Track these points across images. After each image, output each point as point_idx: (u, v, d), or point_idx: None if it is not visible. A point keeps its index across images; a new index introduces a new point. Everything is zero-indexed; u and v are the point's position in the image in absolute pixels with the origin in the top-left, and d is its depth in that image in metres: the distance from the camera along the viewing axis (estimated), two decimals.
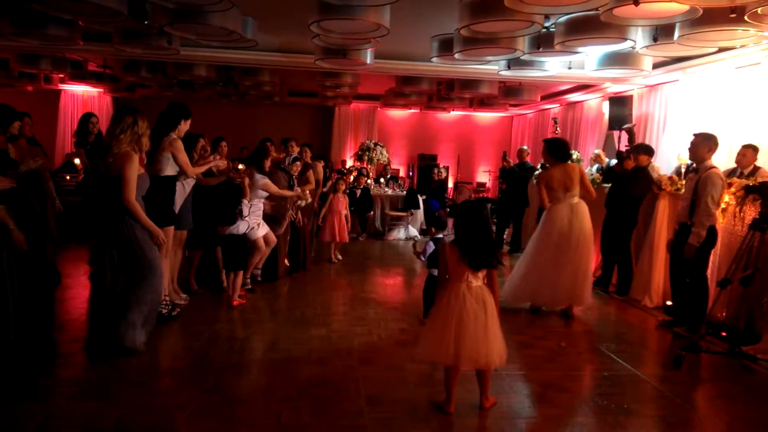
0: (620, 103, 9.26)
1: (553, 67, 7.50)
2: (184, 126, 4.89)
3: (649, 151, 6.60)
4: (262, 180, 5.93)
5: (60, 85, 12.54)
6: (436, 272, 5.01)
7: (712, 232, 5.01)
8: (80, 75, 10.67)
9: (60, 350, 4.11)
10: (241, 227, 5.65)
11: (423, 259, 5.25)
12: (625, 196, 6.42)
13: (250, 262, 5.98)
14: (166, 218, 4.73)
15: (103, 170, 3.95)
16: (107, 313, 3.98)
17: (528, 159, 9.83)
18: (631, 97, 9.29)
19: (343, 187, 8.22)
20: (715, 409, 3.76)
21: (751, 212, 4.93)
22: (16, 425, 3.09)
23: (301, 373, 3.97)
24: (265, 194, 6.03)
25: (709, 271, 5.26)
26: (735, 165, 5.95)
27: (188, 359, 4.22)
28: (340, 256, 8.08)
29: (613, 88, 9.75)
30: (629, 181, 6.40)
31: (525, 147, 10.20)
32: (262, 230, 5.96)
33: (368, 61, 7.13)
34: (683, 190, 5.50)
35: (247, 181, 5.74)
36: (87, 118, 6.54)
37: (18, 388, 3.51)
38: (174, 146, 4.78)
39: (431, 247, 5.14)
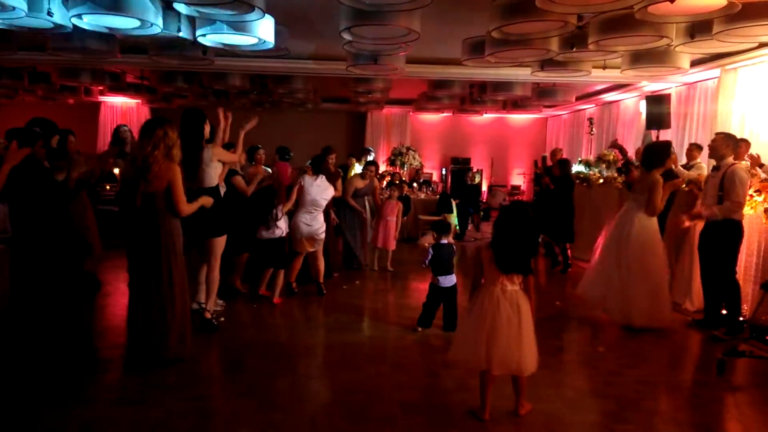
0: (658, 102, 9.02)
1: (586, 67, 7.37)
2: (208, 129, 4.93)
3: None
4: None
5: (99, 97, 12.92)
6: (437, 280, 4.98)
7: (738, 228, 4.96)
8: (119, 87, 10.98)
9: (100, 356, 4.22)
10: (277, 231, 5.74)
11: (425, 265, 5.08)
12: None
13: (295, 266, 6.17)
14: (220, 228, 4.89)
15: (142, 188, 3.92)
16: (148, 324, 4.01)
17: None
18: (669, 95, 9.06)
19: (397, 193, 8.10)
20: (760, 416, 3.61)
21: None
22: (57, 429, 3.17)
23: (335, 379, 3.99)
24: (325, 201, 6.13)
25: (740, 268, 5.17)
26: None
27: (225, 365, 4.29)
28: (390, 267, 7.75)
29: (650, 87, 9.53)
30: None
31: (560, 149, 9.99)
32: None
33: (400, 66, 7.14)
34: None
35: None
36: (117, 129, 6.72)
37: (60, 393, 3.61)
38: (219, 154, 4.90)
39: (431, 253, 5.01)
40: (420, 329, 5.03)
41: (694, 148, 7.13)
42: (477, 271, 3.46)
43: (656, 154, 5.38)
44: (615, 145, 7.42)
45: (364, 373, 4.08)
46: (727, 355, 4.19)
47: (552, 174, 8.98)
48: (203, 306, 4.98)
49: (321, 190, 6.08)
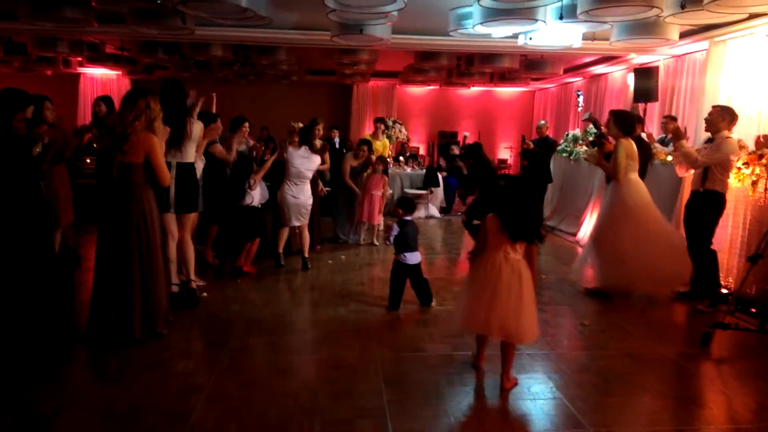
0: (646, 75, 8.95)
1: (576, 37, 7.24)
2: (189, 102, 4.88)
3: (638, 119, 6.45)
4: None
5: (79, 68, 12.57)
6: (403, 257, 4.90)
7: (719, 199, 5.04)
8: (98, 58, 10.68)
9: (79, 333, 4.12)
10: (256, 199, 5.82)
11: (389, 243, 5.04)
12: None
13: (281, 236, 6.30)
14: (194, 203, 4.89)
15: (118, 158, 3.84)
16: (119, 301, 3.91)
17: (548, 133, 9.64)
18: (657, 68, 8.98)
19: (381, 167, 8.01)
20: (746, 389, 3.63)
21: None
22: (32, 408, 3.10)
23: (318, 354, 3.95)
24: (310, 172, 6.13)
25: (726, 240, 5.25)
26: None
27: (205, 341, 4.23)
28: (376, 242, 7.77)
29: (639, 60, 9.44)
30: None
31: (543, 122, 10.01)
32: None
33: (386, 36, 6.97)
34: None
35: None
36: (97, 102, 6.60)
37: (36, 371, 3.53)
38: (201, 132, 4.85)
39: (396, 230, 4.93)
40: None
41: (669, 120, 7.18)
42: (481, 240, 3.49)
43: (622, 121, 5.42)
44: (590, 118, 7.42)
45: (348, 348, 4.03)
46: (713, 328, 4.19)
47: (530, 153, 9.12)
48: (178, 283, 4.90)
49: (306, 161, 6.01)
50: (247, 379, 3.51)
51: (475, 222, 6.57)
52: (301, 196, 6.03)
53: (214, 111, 5.71)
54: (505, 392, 3.41)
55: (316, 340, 4.23)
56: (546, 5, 5.47)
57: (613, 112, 5.65)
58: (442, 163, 9.43)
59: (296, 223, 6.15)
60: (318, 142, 6.39)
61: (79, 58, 11.24)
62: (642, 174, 6.09)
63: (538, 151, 9.38)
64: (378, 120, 9.77)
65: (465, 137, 10.01)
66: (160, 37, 8.22)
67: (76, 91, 13.24)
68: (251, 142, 6.54)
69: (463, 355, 3.94)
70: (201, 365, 3.72)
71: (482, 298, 3.32)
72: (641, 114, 9.19)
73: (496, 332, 3.34)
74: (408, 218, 5.01)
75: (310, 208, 6.17)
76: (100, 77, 13.37)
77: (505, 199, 3.41)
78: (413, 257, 4.93)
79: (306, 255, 6.26)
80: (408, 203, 5.17)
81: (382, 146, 9.25)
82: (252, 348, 4.01)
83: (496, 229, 3.36)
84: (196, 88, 5.09)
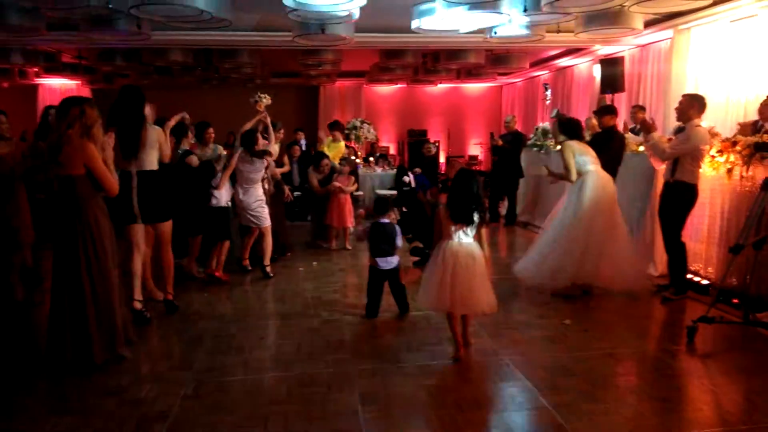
0: (611, 66, 8.95)
1: (540, 30, 7.16)
2: (149, 110, 4.71)
3: (611, 111, 6.47)
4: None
5: (36, 79, 12.21)
6: (379, 262, 4.71)
7: (690, 190, 4.99)
8: (55, 68, 10.34)
9: (39, 361, 3.83)
10: (222, 198, 5.86)
11: (359, 241, 4.97)
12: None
13: (246, 243, 6.29)
14: (169, 212, 4.77)
15: (54, 171, 3.62)
16: (72, 323, 3.66)
17: (517, 127, 9.60)
18: (622, 58, 8.98)
19: (348, 168, 7.91)
20: (733, 385, 3.56)
21: (761, 172, 4.69)
22: None
23: (290, 371, 3.74)
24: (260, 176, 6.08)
25: (704, 230, 5.30)
26: (757, 118, 5.64)
27: (170, 362, 4.00)
28: (349, 246, 7.57)
29: (604, 51, 9.44)
30: (599, 144, 6.10)
31: (511, 116, 9.93)
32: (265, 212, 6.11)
33: (349, 35, 6.80)
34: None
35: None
36: (46, 111, 6.23)
37: None
38: (162, 136, 4.69)
39: (366, 228, 4.81)
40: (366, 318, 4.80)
41: (638, 110, 7.24)
42: (438, 228, 3.90)
43: (566, 127, 5.40)
44: (557, 115, 7.42)
45: (321, 363, 3.85)
46: (697, 322, 4.11)
47: (500, 149, 9.13)
48: (141, 300, 4.67)
49: (251, 167, 6.01)
50: (214, 403, 3.30)
51: (415, 244, 6.72)
52: (247, 198, 5.99)
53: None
54: (470, 347, 3.98)
55: (287, 355, 4.01)
56: None
57: (557, 118, 5.62)
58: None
59: (249, 224, 6.11)
60: (263, 144, 6.24)
61: (35, 69, 10.88)
62: (617, 165, 6.06)
63: (508, 147, 9.35)
64: (332, 127, 9.66)
65: (492, 135, 10.06)
66: (116, 43, 7.96)
67: (35, 102, 12.79)
68: (222, 151, 6.32)
69: (443, 364, 3.80)
70: (165, 389, 3.47)
71: (444, 281, 3.72)
72: (609, 103, 9.20)
73: (459, 308, 3.78)
74: (384, 220, 4.79)
75: (259, 211, 6.04)
76: (59, 87, 12.98)
77: (450, 190, 3.94)
78: (385, 263, 4.70)
79: (266, 263, 6.12)
80: (381, 204, 4.92)
81: (337, 150, 9.21)
82: (218, 368, 3.79)
83: (446, 217, 3.81)
84: (159, 96, 4.93)
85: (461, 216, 3.76)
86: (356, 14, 5.78)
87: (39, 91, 12.87)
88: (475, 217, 3.78)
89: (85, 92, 13.13)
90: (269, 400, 3.32)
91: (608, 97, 9.18)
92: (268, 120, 6.68)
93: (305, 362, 3.87)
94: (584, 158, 5.18)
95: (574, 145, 5.21)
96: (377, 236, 4.71)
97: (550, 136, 8.95)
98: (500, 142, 9.45)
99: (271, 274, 6.09)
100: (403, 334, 4.42)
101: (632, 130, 7.35)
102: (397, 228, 4.81)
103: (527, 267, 5.32)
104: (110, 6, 5.48)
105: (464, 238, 3.78)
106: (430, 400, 3.33)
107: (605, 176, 5.23)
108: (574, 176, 5.15)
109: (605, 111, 6.46)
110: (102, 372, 3.66)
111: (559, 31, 7.83)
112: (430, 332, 4.38)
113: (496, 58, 9.94)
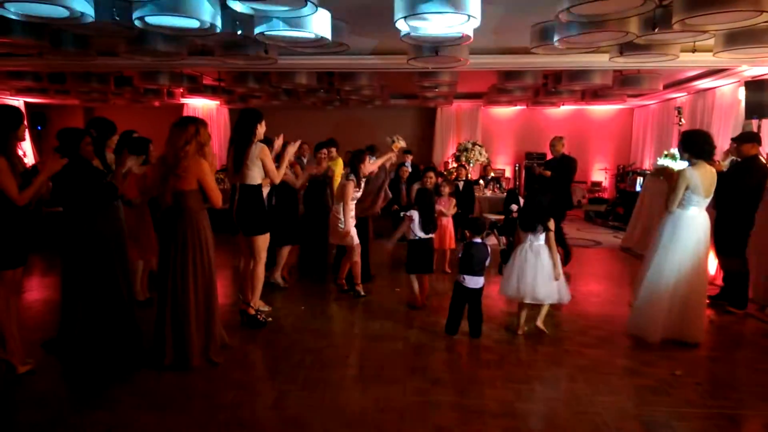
0: (759, 88, 8.09)
1: (673, 50, 6.63)
2: (261, 129, 4.93)
3: (753, 138, 5.72)
4: None
5: (181, 99, 13.36)
6: (464, 279, 4.76)
7: None
8: (197, 89, 11.27)
9: (141, 359, 4.16)
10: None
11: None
12: (732, 193, 5.54)
13: (344, 264, 6.32)
14: (264, 226, 4.96)
15: (171, 183, 3.90)
16: (178, 327, 3.97)
17: (564, 151, 8.59)
18: None
19: (448, 189, 7.61)
20: None
21: None
22: None
23: (367, 393, 3.70)
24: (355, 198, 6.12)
25: None
26: None
27: (257, 371, 4.16)
28: (448, 269, 7.39)
29: (751, 72, 8.56)
30: (735, 176, 5.54)
31: (558, 137, 8.70)
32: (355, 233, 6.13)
33: (463, 57, 6.76)
34: None
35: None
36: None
37: (90, 396, 3.64)
38: (264, 153, 4.88)
39: (460, 250, 4.87)
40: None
41: None
42: (517, 239, 4.95)
43: (689, 142, 4.84)
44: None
45: (399, 389, 3.76)
46: None
47: (544, 177, 8.13)
48: (248, 303, 4.99)
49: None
50: (289, 417, 3.36)
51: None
52: (334, 217, 6.03)
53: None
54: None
55: (367, 377, 3.97)
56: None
57: (683, 133, 5.07)
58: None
59: (337, 242, 6.21)
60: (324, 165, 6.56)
61: (180, 89, 11.92)
62: (757, 201, 5.45)
63: (548, 176, 8.08)
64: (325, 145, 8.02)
65: (527, 169, 9.26)
66: (247, 67, 8.51)
67: None
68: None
69: (525, 408, 3.54)
70: (249, 398, 3.60)
71: (513, 275, 4.73)
72: (755, 130, 8.30)
73: (527, 297, 4.70)
74: (477, 240, 4.87)
75: (341, 229, 5.96)
76: (201, 107, 14.12)
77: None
78: (471, 281, 4.80)
79: (357, 281, 6.12)
80: (475, 224, 5.04)
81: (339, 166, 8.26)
82: (301, 382, 3.85)
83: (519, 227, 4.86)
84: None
85: (527, 225, 4.71)
86: (471, 35, 5.72)
87: (184, 110, 14.10)
88: (539, 227, 4.65)
89: (224, 112, 14.22)
90: (342, 422, 3.31)
91: (754, 122, 8.30)
92: (394, 158, 6.82)
93: (384, 386, 3.82)
94: (695, 197, 4.64)
95: (694, 178, 4.61)
96: (468, 255, 4.81)
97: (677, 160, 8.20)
98: (544, 171, 8.28)
99: (363, 293, 6.08)
100: (488, 367, 4.22)
101: None
102: (489, 249, 4.89)
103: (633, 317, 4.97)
104: (240, 33, 5.93)
105: (534, 242, 4.71)
106: None
107: (695, 223, 4.67)
108: (673, 207, 4.68)
109: (746, 138, 5.79)
110: (195, 375, 3.89)
111: (695, 51, 7.22)
112: (520, 369, 4.16)
113: (625, 79, 9.35)
